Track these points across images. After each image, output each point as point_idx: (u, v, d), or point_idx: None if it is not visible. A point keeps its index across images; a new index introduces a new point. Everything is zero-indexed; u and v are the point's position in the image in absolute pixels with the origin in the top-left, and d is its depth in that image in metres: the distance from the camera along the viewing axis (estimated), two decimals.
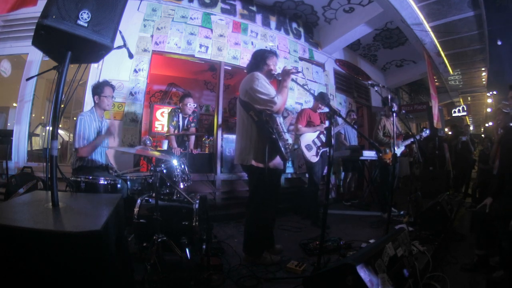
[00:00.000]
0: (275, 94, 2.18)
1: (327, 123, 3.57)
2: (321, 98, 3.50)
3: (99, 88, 2.56)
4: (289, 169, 5.02)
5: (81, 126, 2.42)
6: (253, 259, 2.31)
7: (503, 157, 2.49)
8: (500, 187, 2.36)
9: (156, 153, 2.25)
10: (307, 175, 4.07)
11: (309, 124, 3.69)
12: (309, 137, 3.61)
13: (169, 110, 4.23)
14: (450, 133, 6.96)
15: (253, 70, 2.34)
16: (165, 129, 4.66)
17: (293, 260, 2.27)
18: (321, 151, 3.58)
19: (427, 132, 4.19)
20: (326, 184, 2.05)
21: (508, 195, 2.26)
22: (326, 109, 3.72)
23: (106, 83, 2.62)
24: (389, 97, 3.45)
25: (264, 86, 2.19)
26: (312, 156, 3.55)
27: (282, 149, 2.23)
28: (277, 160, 2.32)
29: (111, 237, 1.09)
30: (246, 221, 2.46)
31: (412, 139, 3.99)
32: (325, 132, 3.38)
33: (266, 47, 4.95)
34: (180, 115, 3.86)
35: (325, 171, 3.66)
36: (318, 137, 3.62)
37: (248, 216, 2.42)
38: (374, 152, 4.34)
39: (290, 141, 2.41)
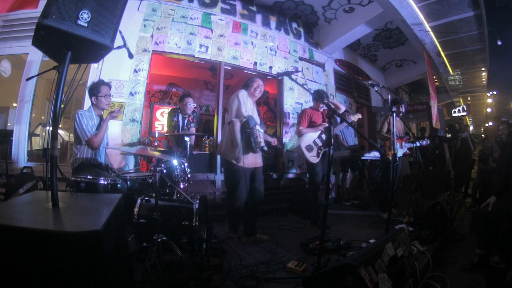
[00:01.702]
0: (235, 116, 2.72)
1: (327, 126, 3.53)
2: (319, 96, 3.42)
3: (95, 89, 2.55)
4: (289, 169, 5.02)
5: (83, 120, 2.43)
6: (251, 240, 2.79)
7: (508, 156, 2.49)
8: (504, 186, 2.35)
9: (156, 153, 2.25)
10: (307, 175, 4.02)
11: (311, 124, 3.60)
12: (310, 137, 3.53)
13: (169, 110, 4.22)
14: (449, 135, 6.96)
15: (243, 87, 2.94)
16: (165, 129, 4.66)
17: (293, 260, 2.27)
18: (322, 151, 3.49)
19: (428, 141, 4.21)
20: (326, 184, 2.05)
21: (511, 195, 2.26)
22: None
23: (101, 83, 2.61)
24: (394, 98, 3.46)
25: (239, 104, 2.73)
26: (312, 157, 3.47)
27: (253, 144, 2.66)
28: (250, 159, 2.76)
29: (111, 237, 1.09)
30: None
31: (412, 144, 4.01)
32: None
33: (266, 47, 4.96)
34: (180, 115, 3.86)
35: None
36: (319, 136, 3.53)
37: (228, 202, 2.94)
38: (374, 152, 4.34)
39: (264, 146, 2.83)
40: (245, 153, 2.72)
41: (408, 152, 4.20)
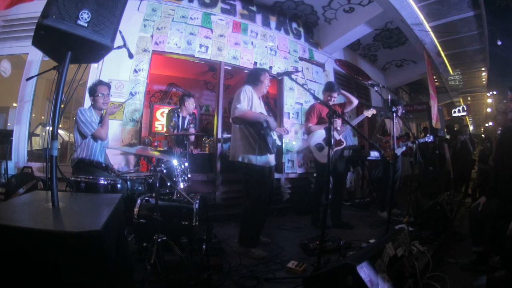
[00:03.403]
0: (243, 106, 2.44)
1: (338, 122, 3.30)
2: (329, 88, 3.29)
3: (93, 89, 2.59)
4: (289, 169, 5.02)
5: (85, 115, 2.46)
6: (243, 251, 2.47)
7: (497, 158, 2.50)
8: (494, 187, 2.37)
9: (156, 153, 2.25)
10: (315, 175, 3.86)
11: (321, 120, 3.34)
12: (320, 135, 3.25)
13: (168, 110, 4.21)
14: (447, 136, 6.97)
15: (248, 83, 2.67)
16: (165, 129, 4.66)
17: (293, 260, 2.27)
18: (334, 150, 3.26)
19: (431, 138, 4.12)
20: (326, 184, 2.05)
21: (501, 196, 2.27)
22: (337, 101, 3.50)
23: (99, 83, 2.64)
24: (393, 98, 3.42)
25: (243, 96, 2.47)
26: (323, 157, 3.19)
27: (270, 146, 2.47)
28: (264, 158, 2.54)
29: (111, 237, 1.09)
30: (241, 215, 2.63)
31: (410, 143, 3.98)
32: (337, 128, 3.23)
33: (266, 47, 4.96)
34: (180, 115, 3.85)
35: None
36: None
37: (242, 211, 2.60)
38: (374, 152, 4.33)
39: (278, 141, 2.67)
40: (262, 153, 2.54)
41: (407, 150, 4.17)
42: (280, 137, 2.84)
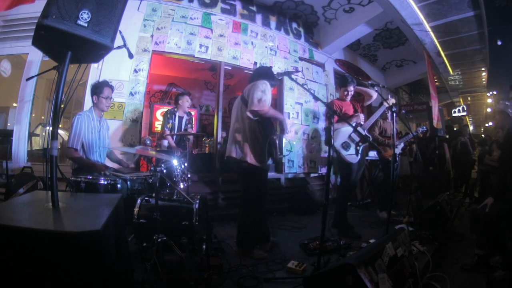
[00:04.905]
0: (268, 100, 2.34)
1: (361, 117, 3.17)
2: (343, 83, 3.17)
3: (98, 89, 2.53)
4: (289, 169, 5.02)
5: (78, 127, 2.39)
6: (243, 253, 2.45)
7: (504, 159, 2.49)
8: (501, 187, 2.35)
9: (155, 153, 2.25)
10: (339, 176, 3.74)
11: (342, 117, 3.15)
12: (345, 132, 3.07)
13: (165, 111, 4.14)
14: (447, 136, 6.98)
15: (266, 78, 2.51)
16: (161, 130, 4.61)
17: (293, 260, 2.27)
18: (361, 147, 3.07)
19: (424, 128, 4.18)
20: (326, 184, 2.05)
21: (510, 196, 2.25)
22: (352, 96, 3.32)
23: (105, 84, 2.59)
24: (386, 101, 3.38)
25: (267, 90, 2.36)
26: (350, 156, 3.01)
27: (277, 153, 2.45)
28: (269, 161, 2.50)
29: (111, 237, 1.09)
30: (239, 217, 2.63)
31: (410, 135, 3.98)
32: (361, 123, 3.13)
33: (266, 47, 4.96)
34: (177, 116, 3.83)
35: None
36: (355, 130, 3.09)
37: (240, 213, 2.60)
38: (374, 152, 4.33)
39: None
40: (269, 157, 2.47)
41: (406, 146, 4.17)
42: (281, 147, 2.79)
